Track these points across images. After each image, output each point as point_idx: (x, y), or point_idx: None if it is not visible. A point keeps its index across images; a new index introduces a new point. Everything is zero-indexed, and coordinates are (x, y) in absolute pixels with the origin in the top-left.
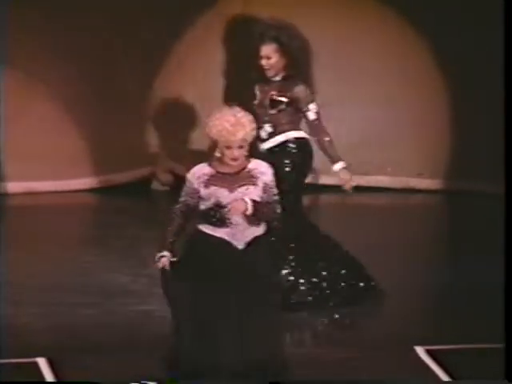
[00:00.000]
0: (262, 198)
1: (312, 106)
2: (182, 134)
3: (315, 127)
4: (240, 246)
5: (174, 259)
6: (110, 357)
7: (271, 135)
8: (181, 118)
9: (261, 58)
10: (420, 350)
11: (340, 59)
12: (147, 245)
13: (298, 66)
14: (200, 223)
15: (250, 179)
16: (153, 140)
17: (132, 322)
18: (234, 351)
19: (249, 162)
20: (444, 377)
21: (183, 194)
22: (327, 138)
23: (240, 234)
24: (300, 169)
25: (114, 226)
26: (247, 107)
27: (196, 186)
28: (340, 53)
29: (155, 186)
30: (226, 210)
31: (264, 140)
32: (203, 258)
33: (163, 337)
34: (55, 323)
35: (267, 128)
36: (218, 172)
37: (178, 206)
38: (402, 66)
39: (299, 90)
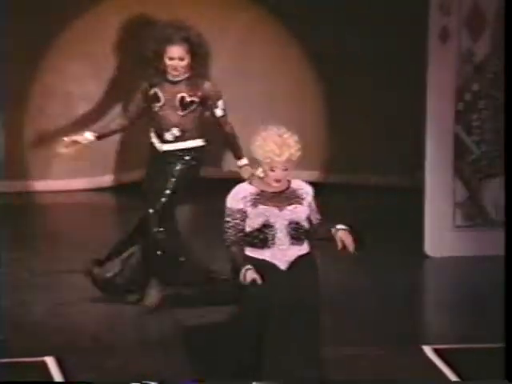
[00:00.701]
0: (309, 216)
1: (220, 103)
2: None
3: (222, 124)
4: (282, 266)
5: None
6: (113, 356)
7: (177, 139)
8: None
9: (170, 59)
10: (427, 349)
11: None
12: None
13: (204, 65)
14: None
15: (297, 198)
16: None
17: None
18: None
19: (289, 181)
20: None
21: (228, 218)
22: (232, 134)
23: (281, 254)
24: (187, 178)
25: (120, 225)
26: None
27: (242, 206)
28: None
29: None
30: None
31: (167, 142)
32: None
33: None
34: (59, 323)
35: (175, 131)
36: (262, 191)
37: (227, 233)
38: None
39: (207, 87)
